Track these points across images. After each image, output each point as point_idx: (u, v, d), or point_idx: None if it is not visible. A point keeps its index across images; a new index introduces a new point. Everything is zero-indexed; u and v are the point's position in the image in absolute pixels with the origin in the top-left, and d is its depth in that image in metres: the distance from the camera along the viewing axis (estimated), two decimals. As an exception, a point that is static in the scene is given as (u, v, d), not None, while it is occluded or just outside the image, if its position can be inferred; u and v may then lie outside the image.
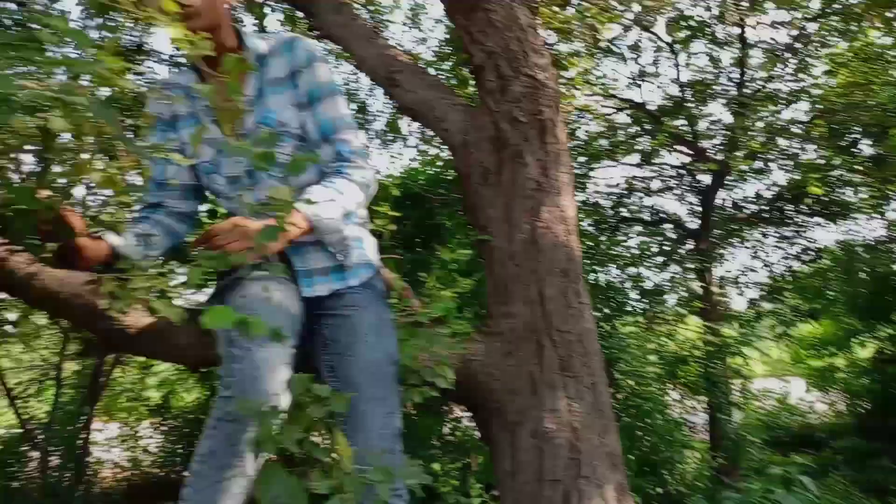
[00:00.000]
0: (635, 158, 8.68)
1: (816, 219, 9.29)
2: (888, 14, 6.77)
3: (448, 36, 5.67)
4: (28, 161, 1.07)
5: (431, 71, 5.64)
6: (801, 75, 8.12)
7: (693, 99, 8.20)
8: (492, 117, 1.92)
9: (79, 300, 1.25)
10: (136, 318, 1.32)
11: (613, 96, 7.90)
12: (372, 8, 5.30)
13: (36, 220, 1.13)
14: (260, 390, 1.09)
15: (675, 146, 8.27)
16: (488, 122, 1.93)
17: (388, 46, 2.39)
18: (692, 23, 7.75)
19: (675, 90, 8.13)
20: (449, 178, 6.00)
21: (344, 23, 2.55)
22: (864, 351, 10.60)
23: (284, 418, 0.82)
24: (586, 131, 8.05)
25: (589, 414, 1.54)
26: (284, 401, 1.11)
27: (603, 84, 8.00)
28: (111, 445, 6.58)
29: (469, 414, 4.79)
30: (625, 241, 9.06)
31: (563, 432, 1.50)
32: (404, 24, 5.54)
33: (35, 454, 5.47)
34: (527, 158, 1.85)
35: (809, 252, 9.67)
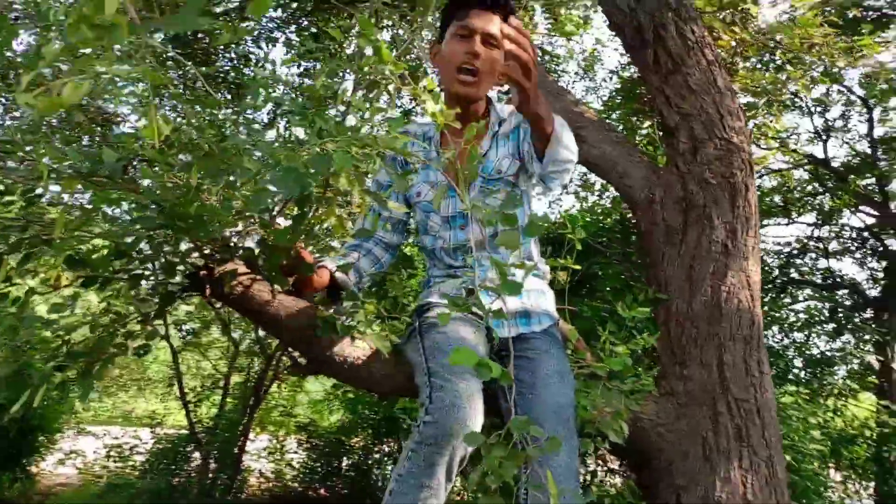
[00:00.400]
0: (811, 217, 8.13)
1: None
2: None
3: (619, 86, 5.67)
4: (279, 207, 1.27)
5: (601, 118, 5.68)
6: None
7: (886, 157, 7.57)
8: (680, 178, 1.94)
9: (299, 327, 1.43)
10: (342, 347, 1.48)
11: (794, 151, 7.49)
12: (547, 57, 5.45)
13: (282, 257, 1.32)
14: (460, 418, 1.20)
15: (859, 207, 7.66)
16: (676, 182, 1.95)
17: (574, 102, 2.48)
18: (893, 76, 7.20)
19: (864, 147, 7.56)
20: (607, 226, 5.96)
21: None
22: None
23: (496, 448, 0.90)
24: (758, 185, 7.67)
25: (764, 489, 1.51)
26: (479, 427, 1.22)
27: (781, 137, 7.60)
28: (260, 456, 7.07)
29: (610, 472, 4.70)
30: (791, 303, 8.46)
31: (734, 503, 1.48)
32: (576, 73, 5.63)
33: (197, 455, 6.00)
34: (715, 221, 1.85)
35: None
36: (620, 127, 5.45)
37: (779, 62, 2.76)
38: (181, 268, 1.35)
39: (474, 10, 1.62)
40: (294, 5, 5.41)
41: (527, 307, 1.55)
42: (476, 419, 1.26)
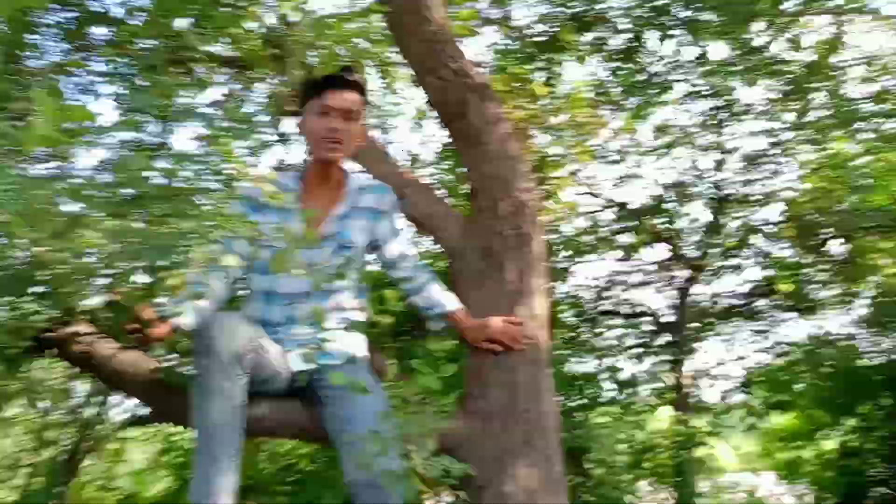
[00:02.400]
0: (619, 254, 9.19)
1: (789, 314, 9.73)
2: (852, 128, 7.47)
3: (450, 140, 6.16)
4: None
5: (433, 170, 6.16)
6: (774, 180, 8.76)
7: (674, 199, 8.79)
8: (483, 230, 2.35)
9: (141, 379, 1.62)
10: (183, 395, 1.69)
11: (599, 195, 8.48)
12: (379, 112, 5.82)
13: (125, 316, 1.51)
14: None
15: (655, 243, 8.80)
16: (480, 234, 2.35)
17: (397, 165, 2.85)
18: (675, 130, 8.41)
19: (657, 191, 8.74)
20: (439, 271, 6.40)
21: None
22: (830, 443, 10.85)
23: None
24: (573, 227, 8.56)
25: (541, 481, 1.90)
26: None
27: (591, 183, 8.57)
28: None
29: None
30: (604, 332, 9.45)
31: (519, 495, 1.86)
32: (410, 127, 6.06)
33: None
34: (507, 266, 2.27)
35: (781, 346, 10.06)
36: (452, 177, 5.94)
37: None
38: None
39: (330, 90, 1.94)
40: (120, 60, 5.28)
41: (327, 347, 1.86)
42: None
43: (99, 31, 4.71)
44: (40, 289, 1.34)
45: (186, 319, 1.75)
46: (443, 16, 2.47)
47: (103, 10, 4.84)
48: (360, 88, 2.01)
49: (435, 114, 2.68)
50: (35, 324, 1.47)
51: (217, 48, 4.75)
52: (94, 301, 1.55)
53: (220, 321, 1.65)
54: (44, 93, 1.09)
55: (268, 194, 1.34)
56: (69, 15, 4.51)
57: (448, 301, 2.19)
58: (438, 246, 2.62)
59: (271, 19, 3.00)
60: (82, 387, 5.65)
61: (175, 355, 1.76)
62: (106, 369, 1.60)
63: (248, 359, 1.64)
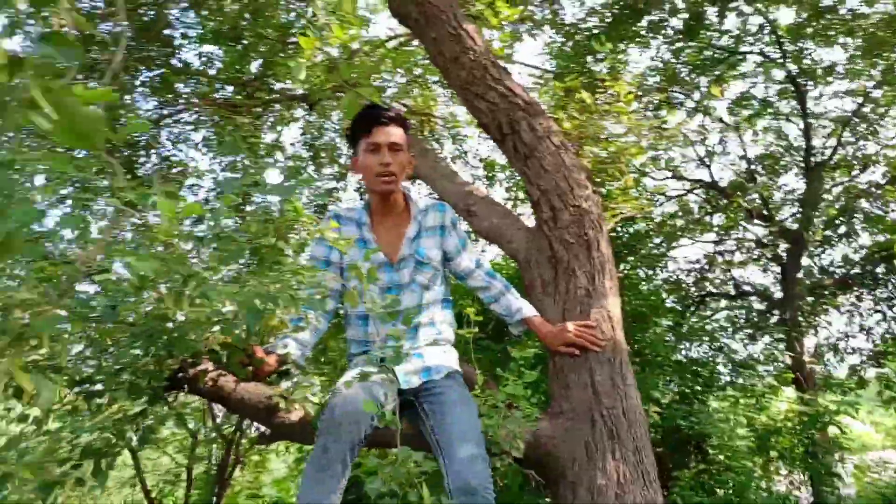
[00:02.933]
0: (713, 235, 8.96)
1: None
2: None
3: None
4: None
5: (507, 173, 6.29)
6: (871, 139, 8.28)
7: (764, 172, 8.47)
8: (547, 240, 2.45)
9: (261, 405, 1.85)
10: (297, 415, 1.90)
11: (683, 178, 8.30)
12: (451, 125, 6.04)
13: (239, 355, 1.74)
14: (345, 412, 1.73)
15: (750, 220, 8.50)
16: (545, 244, 2.46)
17: (464, 183, 3.01)
18: (754, 102, 8.14)
19: (743, 166, 8.46)
20: (510, 275, 6.54)
21: (429, 164, 3.20)
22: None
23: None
24: (660, 213, 8.43)
25: (633, 472, 1.97)
26: None
27: (674, 167, 8.41)
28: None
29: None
30: (711, 315, 9.19)
31: (612, 487, 1.93)
32: (479, 136, 6.25)
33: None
34: (577, 272, 2.36)
35: (911, 314, 9.40)
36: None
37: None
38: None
39: (376, 128, 2.11)
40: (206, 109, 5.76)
41: (427, 364, 2.00)
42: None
43: (182, 82, 5.20)
44: (168, 336, 1.58)
45: (291, 351, 1.97)
46: (482, 40, 2.61)
47: (186, 64, 5.37)
48: (401, 121, 2.17)
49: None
50: (168, 366, 1.72)
51: (287, 85, 5.14)
52: (213, 343, 1.79)
53: (347, 405, 1.75)
54: (164, 198, 1.33)
55: (332, 239, 1.52)
56: (156, 73, 5.01)
57: (525, 307, 2.29)
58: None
59: (332, 50, 3.20)
60: (220, 408, 6.17)
61: (284, 383, 1.99)
62: (231, 400, 1.85)
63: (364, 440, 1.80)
